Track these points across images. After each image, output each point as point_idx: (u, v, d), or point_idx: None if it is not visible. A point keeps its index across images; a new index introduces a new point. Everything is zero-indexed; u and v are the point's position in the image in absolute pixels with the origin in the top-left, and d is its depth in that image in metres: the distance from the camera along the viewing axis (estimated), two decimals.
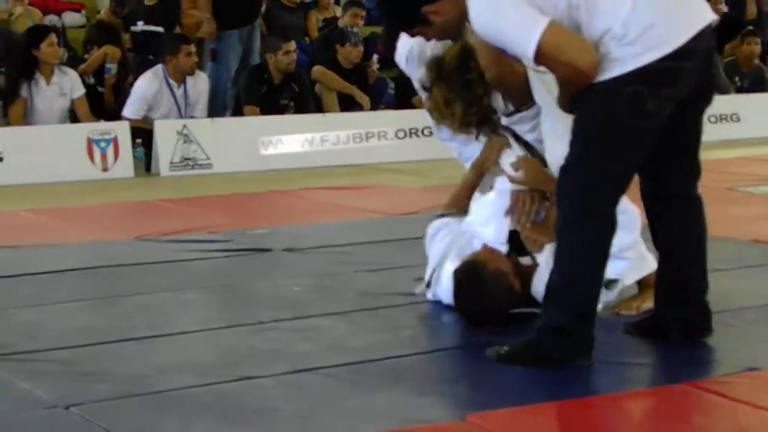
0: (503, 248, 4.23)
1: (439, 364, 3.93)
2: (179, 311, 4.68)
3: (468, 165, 4.70)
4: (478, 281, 4.15)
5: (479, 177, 4.53)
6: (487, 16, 3.43)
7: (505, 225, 4.26)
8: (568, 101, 3.61)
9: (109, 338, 4.20)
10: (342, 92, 10.76)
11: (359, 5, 12.07)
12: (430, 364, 3.92)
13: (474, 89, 4.17)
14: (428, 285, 4.48)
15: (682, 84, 3.51)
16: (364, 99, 10.77)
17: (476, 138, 4.43)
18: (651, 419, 3.41)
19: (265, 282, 5.18)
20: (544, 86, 3.82)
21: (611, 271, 4.25)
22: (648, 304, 4.27)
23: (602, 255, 3.61)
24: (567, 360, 3.63)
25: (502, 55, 3.71)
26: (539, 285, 4.14)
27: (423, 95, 4.47)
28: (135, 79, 10.37)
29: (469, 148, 4.63)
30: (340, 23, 11.58)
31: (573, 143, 3.58)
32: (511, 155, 4.32)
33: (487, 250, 4.24)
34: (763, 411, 3.27)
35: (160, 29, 10.73)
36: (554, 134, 3.88)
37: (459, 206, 4.54)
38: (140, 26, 10.82)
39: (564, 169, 3.61)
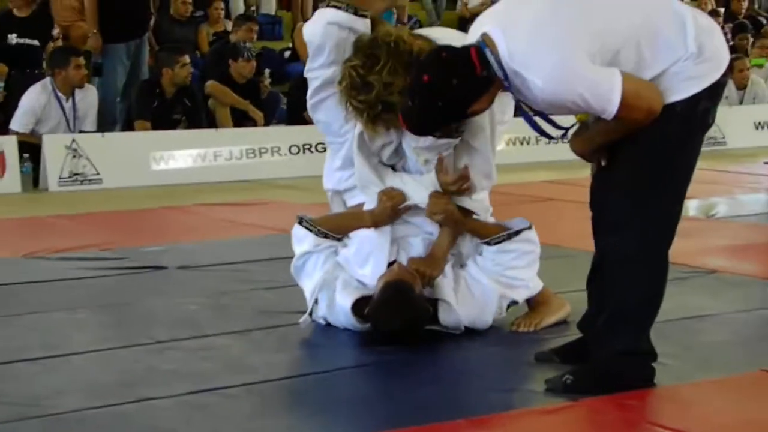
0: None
1: (338, 383, 3.92)
2: (73, 331, 4.60)
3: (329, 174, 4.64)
4: (408, 300, 4.16)
5: (373, 226, 4.43)
6: (559, 86, 3.38)
7: (383, 262, 4.33)
8: (596, 149, 3.63)
9: (1, 359, 4.11)
10: (235, 107, 10.72)
11: (252, 20, 12.07)
12: (329, 383, 3.91)
13: (399, 78, 4.15)
14: (310, 314, 4.47)
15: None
16: (257, 114, 10.74)
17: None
18: None
19: (161, 300, 5.12)
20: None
21: (516, 297, 4.38)
22: (547, 321, 4.40)
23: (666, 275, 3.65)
24: (647, 382, 3.63)
25: None
26: (447, 316, 4.31)
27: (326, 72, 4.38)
28: (13, 93, 10.20)
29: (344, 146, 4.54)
30: (233, 38, 11.53)
31: (641, 175, 3.55)
32: (419, 188, 4.37)
33: (404, 269, 4.27)
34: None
35: (35, 42, 10.57)
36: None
37: (337, 233, 4.50)
38: (14, 39, 10.63)
39: (638, 202, 3.56)
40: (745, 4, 16.39)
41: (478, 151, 4.33)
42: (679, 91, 3.48)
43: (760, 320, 4.71)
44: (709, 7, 15.19)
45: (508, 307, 4.45)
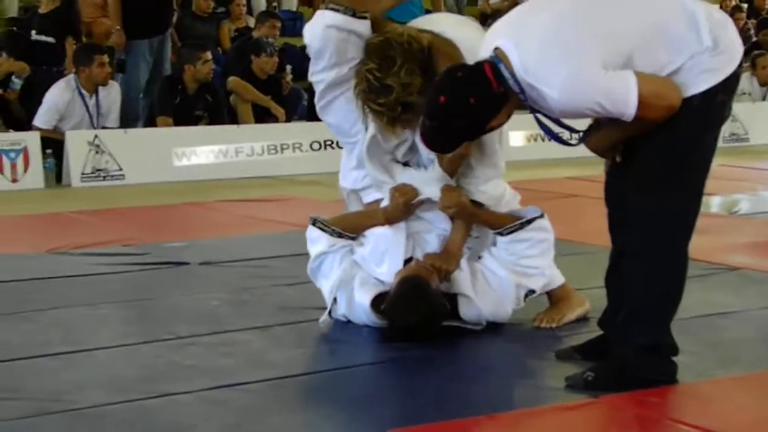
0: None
1: (358, 380, 3.93)
2: (96, 326, 4.62)
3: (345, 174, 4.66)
4: (424, 295, 4.17)
5: (387, 223, 4.45)
6: (574, 96, 3.39)
7: (400, 260, 4.34)
8: (613, 146, 3.63)
9: (23, 354, 4.13)
10: (257, 104, 10.73)
11: (275, 16, 12.07)
12: (349, 379, 3.92)
13: (416, 78, 4.17)
14: (330, 313, 4.47)
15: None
16: (279, 111, 10.75)
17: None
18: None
19: (183, 296, 5.13)
20: None
21: (532, 285, 4.37)
22: (568, 317, 4.39)
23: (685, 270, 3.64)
24: (668, 379, 3.63)
25: None
26: (468, 311, 4.31)
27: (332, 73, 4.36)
28: (31, 88, 10.26)
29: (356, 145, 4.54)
30: (255, 34, 11.55)
31: (660, 171, 3.55)
32: (430, 183, 4.38)
33: (420, 264, 4.28)
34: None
35: (51, 39, 10.61)
36: None
37: (352, 232, 4.51)
38: (33, 36, 10.69)
39: (657, 197, 3.55)
40: None
41: (483, 142, 4.33)
42: (695, 85, 3.47)
43: None
44: (733, 3, 15.11)
45: (526, 296, 4.42)
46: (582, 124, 3.67)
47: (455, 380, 3.82)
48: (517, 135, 10.92)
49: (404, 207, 4.41)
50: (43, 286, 5.37)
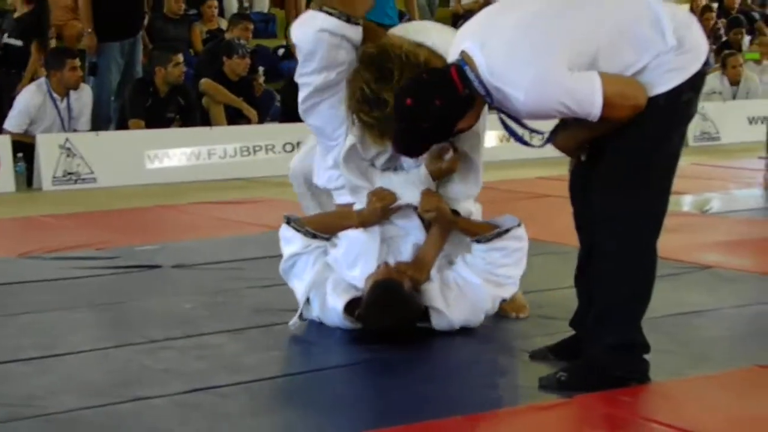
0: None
1: (332, 381, 3.93)
2: (68, 330, 4.59)
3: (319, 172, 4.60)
4: (398, 298, 4.17)
5: (361, 227, 4.42)
6: (540, 98, 3.40)
7: (372, 265, 4.32)
8: (580, 145, 3.64)
9: None
10: (229, 105, 10.71)
11: (247, 18, 12.05)
12: (323, 381, 3.91)
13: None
14: (301, 315, 4.46)
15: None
16: (251, 113, 10.74)
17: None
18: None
19: (156, 299, 5.12)
20: None
21: (504, 295, 4.39)
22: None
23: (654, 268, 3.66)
24: (640, 377, 3.64)
25: None
26: (440, 321, 4.32)
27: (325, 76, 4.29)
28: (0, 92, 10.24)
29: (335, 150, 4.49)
30: (227, 36, 11.51)
31: (626, 170, 3.56)
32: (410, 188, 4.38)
33: (391, 268, 4.27)
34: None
35: (19, 43, 10.55)
36: None
37: (325, 232, 4.48)
38: (4, 39, 10.64)
39: (624, 195, 3.56)
40: None
41: (471, 159, 4.35)
42: (661, 84, 3.49)
43: (755, 316, 4.72)
44: (703, 2, 15.19)
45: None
46: (546, 126, 3.68)
47: (429, 381, 3.83)
48: (489, 135, 10.89)
49: (381, 212, 4.39)
50: (15, 291, 5.35)
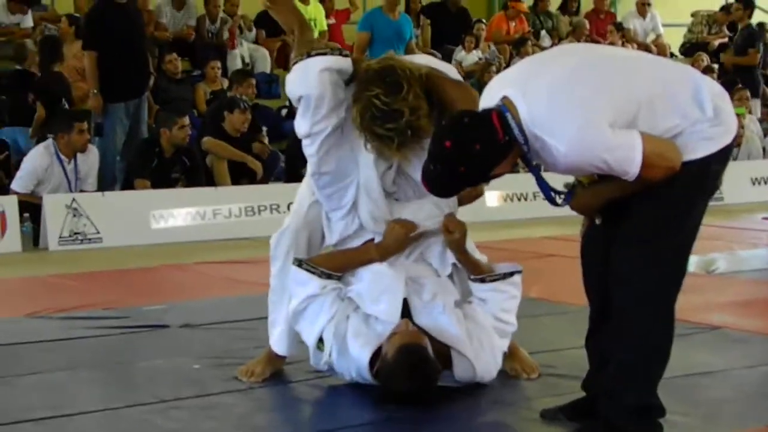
0: (396, 322, 4.24)
1: None
2: (77, 390, 4.58)
3: (332, 230, 4.57)
4: (422, 364, 4.12)
5: (381, 259, 4.43)
6: (582, 151, 3.41)
7: (398, 301, 4.28)
8: (604, 204, 3.66)
9: (4, 420, 4.09)
10: (233, 160, 10.73)
11: (250, 75, 12.10)
12: None
13: (423, 101, 4.18)
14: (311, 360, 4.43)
15: None
16: (256, 164, 10.72)
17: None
18: None
19: (164, 359, 5.10)
20: None
21: (505, 348, 4.41)
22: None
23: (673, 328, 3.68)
24: None
25: None
26: (463, 372, 4.30)
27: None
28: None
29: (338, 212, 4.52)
30: (230, 94, 11.56)
31: (652, 231, 3.58)
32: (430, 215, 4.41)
33: (413, 331, 4.21)
34: None
35: None
36: None
37: (340, 271, 4.43)
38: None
39: (646, 259, 3.58)
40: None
41: None
42: (694, 151, 3.51)
43: (765, 376, 4.71)
44: (705, 64, 15.24)
45: None
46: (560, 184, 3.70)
47: None
48: (492, 195, 10.95)
49: (404, 238, 4.38)
50: (23, 351, 5.33)
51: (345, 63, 4.30)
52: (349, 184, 4.44)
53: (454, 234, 4.36)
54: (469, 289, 4.46)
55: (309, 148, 4.41)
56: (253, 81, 11.91)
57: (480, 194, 4.49)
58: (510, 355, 4.53)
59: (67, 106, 10.86)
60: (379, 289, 4.34)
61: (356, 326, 4.30)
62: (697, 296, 6.13)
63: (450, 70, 4.45)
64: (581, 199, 3.66)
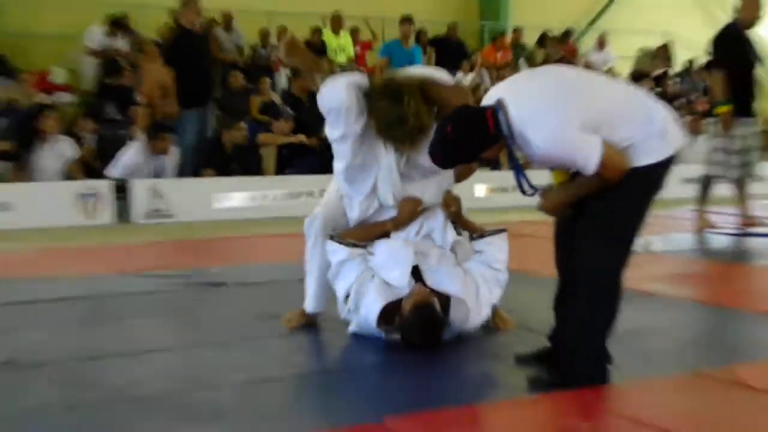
0: (405, 286, 4.21)
1: (362, 375, 3.89)
2: (155, 332, 4.59)
3: (353, 209, 4.50)
4: (435, 321, 4.10)
5: (395, 230, 4.43)
6: (555, 144, 3.40)
7: (408, 269, 4.25)
8: (568, 202, 3.63)
9: (99, 354, 4.11)
10: (282, 148, 10.75)
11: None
12: (355, 374, 3.88)
13: (423, 104, 4.16)
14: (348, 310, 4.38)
15: None
16: (309, 140, 10.84)
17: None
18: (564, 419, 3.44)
19: (222, 310, 5.10)
20: None
21: (495, 300, 4.39)
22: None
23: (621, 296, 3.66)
24: (605, 380, 3.64)
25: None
26: (457, 312, 4.23)
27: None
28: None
29: (361, 201, 4.47)
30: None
31: (606, 223, 3.56)
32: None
33: (422, 290, 4.17)
34: None
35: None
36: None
37: (362, 240, 4.40)
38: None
39: (602, 243, 3.56)
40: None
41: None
42: (643, 159, 3.50)
43: (690, 332, 4.70)
44: (648, 89, 15.14)
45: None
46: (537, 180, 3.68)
47: (433, 379, 3.78)
48: (480, 187, 10.97)
49: (414, 211, 4.40)
50: (115, 300, 5.35)
51: (362, 79, 4.30)
52: (370, 173, 4.42)
53: (451, 207, 4.41)
54: (465, 257, 4.44)
55: (342, 147, 4.37)
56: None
57: (473, 171, 4.52)
58: (493, 312, 4.52)
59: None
60: (393, 261, 4.33)
61: (378, 284, 4.28)
62: (639, 270, 6.09)
63: (440, 73, 4.38)
64: (551, 200, 3.65)
